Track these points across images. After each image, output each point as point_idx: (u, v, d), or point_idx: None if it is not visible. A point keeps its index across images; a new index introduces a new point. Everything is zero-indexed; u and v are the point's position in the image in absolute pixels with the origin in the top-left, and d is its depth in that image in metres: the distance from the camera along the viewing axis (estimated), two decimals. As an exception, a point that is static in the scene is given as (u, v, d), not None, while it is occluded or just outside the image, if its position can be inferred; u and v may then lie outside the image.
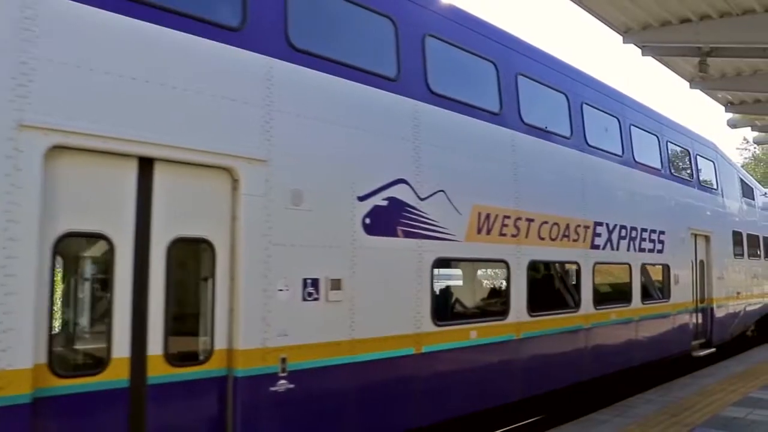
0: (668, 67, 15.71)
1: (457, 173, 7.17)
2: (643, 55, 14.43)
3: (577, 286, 9.39)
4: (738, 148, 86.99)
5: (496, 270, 9.05)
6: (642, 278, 11.10)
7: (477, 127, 7.62)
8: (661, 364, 12.52)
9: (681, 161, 13.28)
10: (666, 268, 12.10)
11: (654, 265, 11.84)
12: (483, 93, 7.79)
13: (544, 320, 8.55)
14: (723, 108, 19.20)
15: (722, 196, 15.35)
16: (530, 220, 8.21)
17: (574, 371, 9.26)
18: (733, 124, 20.52)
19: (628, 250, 10.58)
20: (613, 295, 11.10)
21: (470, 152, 7.49)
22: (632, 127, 11.10)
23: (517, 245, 7.87)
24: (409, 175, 6.41)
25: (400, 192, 6.26)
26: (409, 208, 6.29)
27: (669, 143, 12.60)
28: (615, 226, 10.21)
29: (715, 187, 14.96)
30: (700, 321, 13.83)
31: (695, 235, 13.60)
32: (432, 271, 6.64)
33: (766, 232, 19.29)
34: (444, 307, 8.03)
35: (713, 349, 13.99)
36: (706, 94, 17.77)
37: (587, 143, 9.70)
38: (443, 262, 7.48)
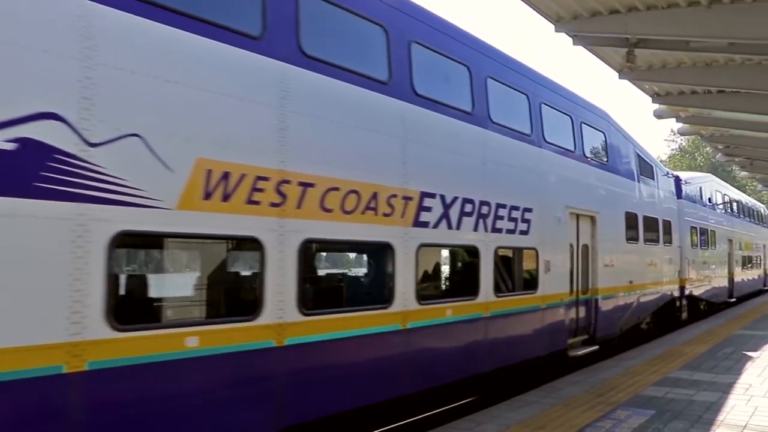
0: (598, 57, 15.63)
1: (168, 111, 4.85)
2: (574, 44, 14.05)
3: (392, 275, 6.99)
4: (666, 140, 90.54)
5: (249, 252, 6.21)
6: (496, 265, 8.83)
7: (205, 47, 5.11)
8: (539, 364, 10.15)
9: (559, 128, 11.06)
10: (533, 254, 9.89)
11: (515, 249, 9.56)
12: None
13: (328, 321, 6.20)
14: (650, 99, 20.17)
15: (614, 173, 13.28)
16: (306, 185, 5.87)
17: (387, 386, 7.00)
18: (659, 115, 20.96)
19: (475, 230, 8.35)
20: (452, 286, 9.05)
21: (192, 80, 5.01)
22: (490, 80, 8.95)
23: (281, 218, 5.59)
24: (68, 109, 4.18)
25: (47, 132, 4.06)
26: (63, 157, 4.14)
27: (544, 105, 10.44)
28: (455, 199, 7.94)
29: (604, 161, 12.82)
30: (581, 315, 11.58)
31: (577, 216, 11.45)
32: (111, 252, 4.37)
33: (667, 215, 16.87)
34: (135, 304, 5.70)
35: (596, 347, 11.72)
36: (634, 84, 17.88)
37: (414, 91, 7.40)
38: (135, 239, 5.26)
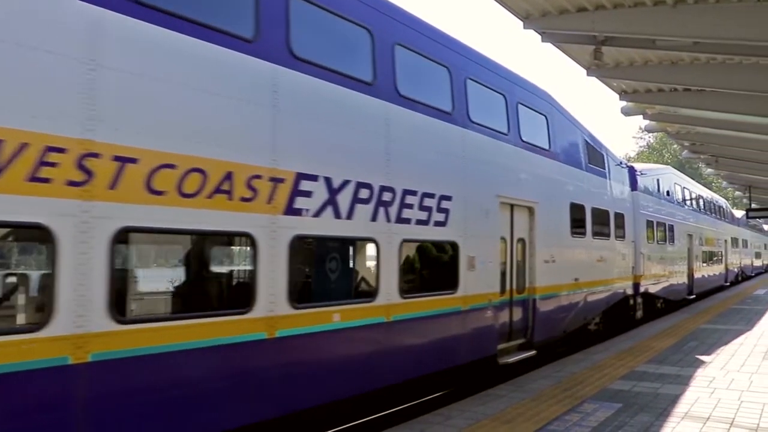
0: (566, 54, 15.87)
1: None
2: (542, 41, 14.33)
3: (252, 274, 5.76)
4: (634, 137, 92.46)
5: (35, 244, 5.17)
6: (403, 261, 7.75)
7: None
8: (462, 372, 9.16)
9: (489, 108, 10.03)
10: (452, 248, 8.75)
11: (428, 242, 8.54)
12: None
13: (177, 328, 5.13)
14: (618, 96, 20.55)
15: (557, 160, 12.16)
16: (123, 160, 4.75)
17: (246, 411, 5.70)
18: (626, 112, 21.31)
19: (373, 219, 7.19)
20: (341, 286, 7.67)
21: None
22: (399, 47, 7.80)
23: (80, 201, 4.46)
24: None
25: None
26: None
27: (469, 81, 9.30)
28: (346, 183, 6.77)
29: (546, 147, 11.69)
30: (516, 317, 10.45)
31: (511, 206, 10.37)
32: None
33: (619, 208, 15.77)
34: None
35: (533, 352, 10.58)
36: (602, 81, 18.17)
37: (292, 54, 6.22)
38: None
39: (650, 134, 65.82)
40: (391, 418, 8.26)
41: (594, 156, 14.40)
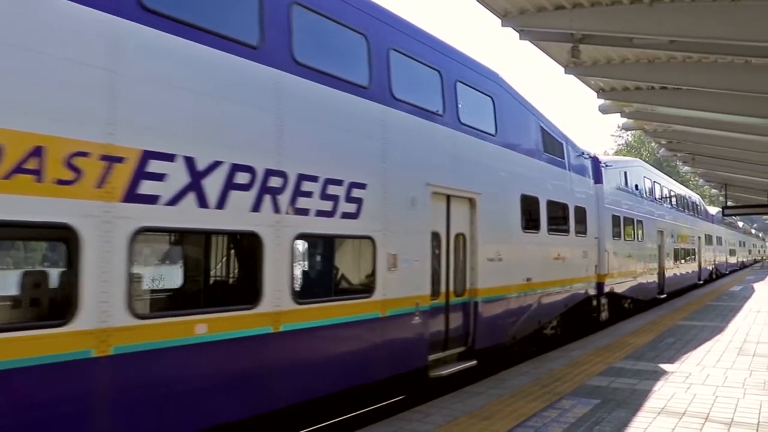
0: (544, 52, 16.04)
1: None
2: (520, 39, 14.34)
3: (74, 274, 4.64)
4: (612, 135, 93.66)
5: None
6: (299, 260, 7.19)
7: None
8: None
9: (419, 84, 8.98)
10: (367, 245, 7.61)
11: (334, 238, 7.51)
12: None
13: None
14: (596, 94, 20.77)
15: (505, 147, 11.06)
16: None
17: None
18: (604, 110, 21.49)
19: (255, 209, 5.98)
20: (208, 290, 7.09)
21: None
22: (296, 6, 6.64)
23: None
24: None
25: None
26: None
27: (393, 52, 8.17)
28: (216, 165, 5.64)
29: (491, 132, 10.55)
30: (453, 323, 9.34)
31: (447, 197, 9.28)
32: None
33: (580, 201, 14.71)
34: None
35: (473, 363, 9.45)
36: (580, 79, 18.30)
37: (143, 6, 5.16)
38: None
39: (628, 132, 66.59)
40: (368, 416, 8.28)
41: (551, 144, 13.24)
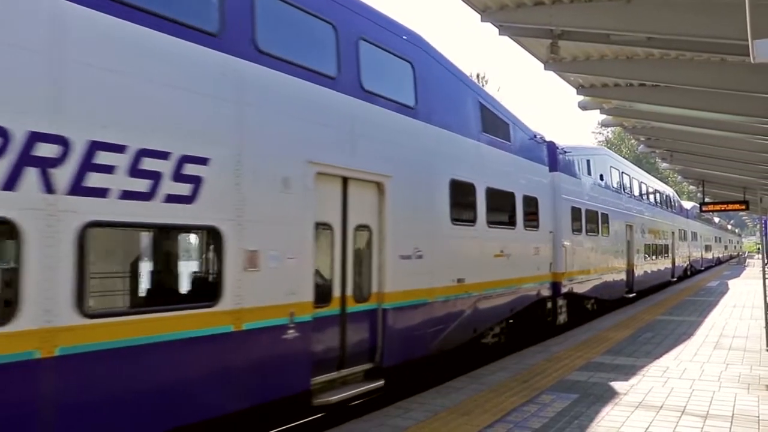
0: (524, 48, 16.14)
1: None
2: (500, 34, 14.63)
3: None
4: (593, 132, 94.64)
5: None
6: (91, 257, 5.09)
7: None
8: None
9: (300, 38, 7.46)
10: (210, 238, 6.26)
11: (153, 228, 6.01)
12: None
13: None
14: (575, 91, 20.96)
15: (428, 122, 9.54)
16: None
17: None
18: (583, 106, 21.72)
19: (7, 188, 4.44)
20: None
21: None
22: None
23: None
24: None
25: None
26: None
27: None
28: None
29: (409, 104, 9.09)
30: (354, 335, 7.86)
31: (345, 179, 7.80)
32: None
33: (531, 190, 13.28)
34: None
35: (380, 383, 8.03)
36: (559, 76, 18.52)
37: None
38: None
39: (609, 129, 67.31)
40: (349, 412, 8.30)
41: (493, 124, 11.72)
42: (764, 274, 13.43)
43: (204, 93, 6.04)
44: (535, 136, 14.16)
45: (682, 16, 10.99)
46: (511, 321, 12.88)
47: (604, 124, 24.53)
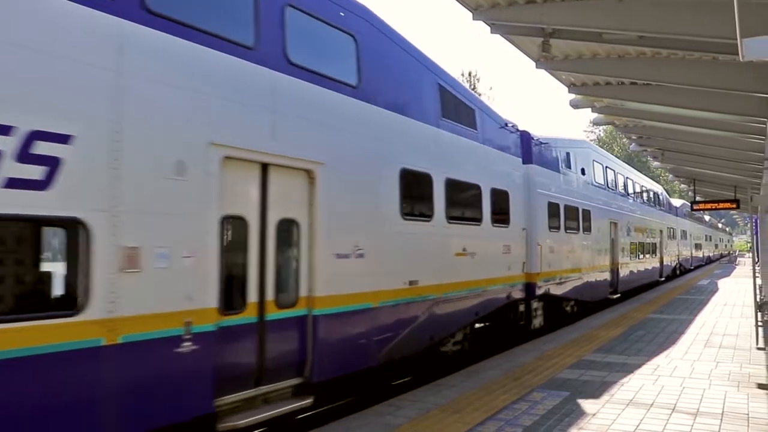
0: (515, 46, 16.24)
1: None
2: (492, 32, 14.79)
3: None
4: (585, 131, 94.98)
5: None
6: None
7: None
8: None
9: (205, 1, 6.44)
10: (68, 231, 5.01)
11: None
12: None
13: None
14: (567, 89, 21.03)
15: (373, 104, 8.51)
16: None
17: None
18: (575, 105, 21.83)
19: None
20: None
21: None
22: None
23: None
24: None
25: None
26: None
27: None
28: None
29: (350, 82, 8.14)
30: (275, 347, 6.85)
31: (264, 166, 6.85)
32: None
33: (501, 183, 12.26)
34: None
35: (308, 401, 7.10)
36: (551, 74, 18.77)
37: None
38: None
39: (601, 128, 67.59)
40: (340, 410, 8.33)
41: (455, 109, 10.67)
42: (754, 272, 13.53)
43: (71, 58, 4.97)
44: (506, 125, 13.10)
45: (674, 15, 11.06)
46: (482, 325, 12.10)
47: (595, 123, 24.60)
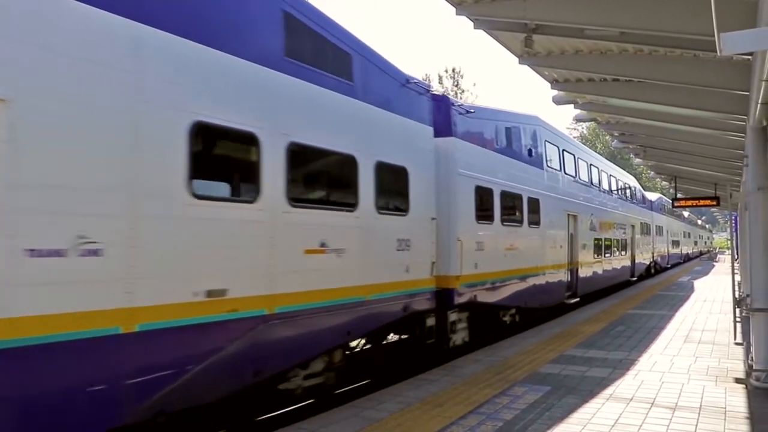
0: (499, 42, 16.54)
1: None
2: (475, 28, 15.05)
3: None
4: (568, 128, 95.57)
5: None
6: None
7: None
8: None
9: None
10: None
11: None
12: None
13: None
14: (550, 85, 21.15)
15: (125, 17, 5.34)
16: None
17: None
18: (557, 101, 21.96)
19: None
20: None
21: None
22: None
23: None
24: None
25: None
26: None
27: None
28: None
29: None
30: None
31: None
32: None
33: (395, 157, 9.53)
34: None
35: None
36: (534, 70, 18.99)
37: None
38: None
39: (584, 125, 68.03)
40: (321, 405, 8.33)
41: (313, 48, 7.88)
42: (733, 269, 13.72)
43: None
44: (409, 82, 10.24)
45: (654, 12, 11.17)
46: (361, 349, 9.97)
47: (577, 119, 24.74)
